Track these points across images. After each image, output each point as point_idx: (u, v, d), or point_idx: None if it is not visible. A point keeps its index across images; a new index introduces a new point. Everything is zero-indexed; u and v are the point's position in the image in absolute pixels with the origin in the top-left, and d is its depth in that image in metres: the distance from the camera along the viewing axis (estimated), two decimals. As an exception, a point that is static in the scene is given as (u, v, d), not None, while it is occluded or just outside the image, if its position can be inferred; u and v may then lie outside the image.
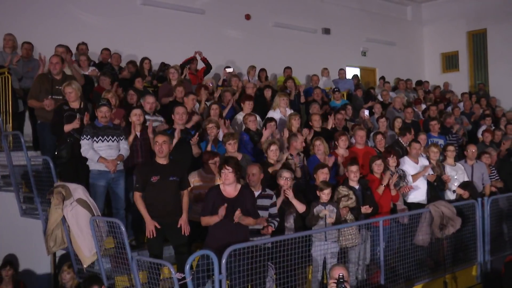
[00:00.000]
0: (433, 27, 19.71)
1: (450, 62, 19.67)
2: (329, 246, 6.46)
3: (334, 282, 5.09)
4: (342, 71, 14.86)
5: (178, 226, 5.90)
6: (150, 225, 5.75)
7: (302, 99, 11.63)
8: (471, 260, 8.27)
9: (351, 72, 16.38)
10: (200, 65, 11.96)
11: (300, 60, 14.85)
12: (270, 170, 6.96)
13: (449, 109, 13.64)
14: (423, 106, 12.78)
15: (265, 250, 5.90)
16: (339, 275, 5.10)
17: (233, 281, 5.46)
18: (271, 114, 9.56)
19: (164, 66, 11.09)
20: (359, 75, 16.37)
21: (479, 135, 12.05)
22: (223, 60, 13.37)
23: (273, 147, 7.19)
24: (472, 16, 18.56)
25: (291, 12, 15.51)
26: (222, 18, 13.95)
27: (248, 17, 14.51)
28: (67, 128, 6.92)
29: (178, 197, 6.02)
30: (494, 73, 18.26)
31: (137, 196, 5.86)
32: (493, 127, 12.73)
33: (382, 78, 15.92)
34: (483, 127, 12.46)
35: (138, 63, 10.85)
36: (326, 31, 16.49)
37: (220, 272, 5.02)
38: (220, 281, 5.04)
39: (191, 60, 11.57)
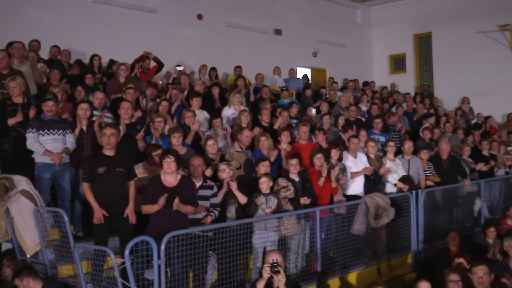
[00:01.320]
0: (382, 30, 20.40)
1: (397, 64, 20.42)
2: (269, 235, 6.75)
3: (268, 266, 5.42)
4: (292, 71, 15.28)
5: (125, 215, 6.11)
6: (98, 213, 5.95)
7: (252, 98, 11.95)
8: (406, 249, 8.74)
9: (302, 72, 16.81)
10: (153, 63, 12.14)
11: (252, 60, 15.15)
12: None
13: (394, 108, 14.19)
14: (363, 107, 13.24)
15: (207, 239, 6.18)
16: (273, 260, 5.43)
17: (173, 267, 5.72)
18: (225, 111, 9.87)
19: (113, 63, 11.21)
20: (310, 75, 16.84)
21: (421, 133, 12.61)
22: (175, 58, 13.53)
23: (210, 142, 7.45)
24: (418, 19, 19.31)
25: (243, 13, 15.82)
26: (174, 17, 14.14)
27: (200, 16, 14.74)
28: (11, 122, 7.03)
29: (124, 187, 6.23)
30: (438, 75, 19.07)
31: (85, 187, 6.07)
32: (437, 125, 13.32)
33: (331, 78, 16.40)
34: (425, 125, 13.04)
35: (88, 60, 10.96)
36: (278, 32, 16.87)
37: (159, 257, 5.26)
38: (159, 266, 5.27)
39: (142, 59, 11.72)
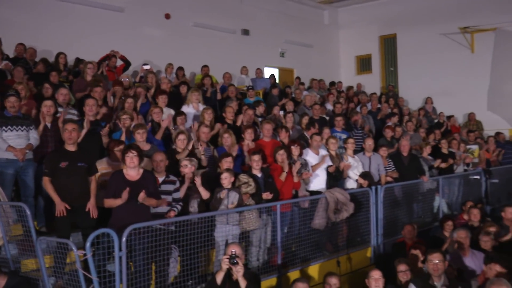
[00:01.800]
0: (349, 31, 20.78)
1: (363, 64, 20.85)
2: (231, 229, 6.92)
3: (227, 258, 5.60)
4: (259, 71, 15.50)
5: (86, 210, 6.22)
6: (60, 206, 6.05)
7: (219, 96, 12.11)
8: (366, 243, 9.03)
9: (270, 72, 17.03)
10: (120, 62, 12.19)
11: (219, 60, 15.29)
12: (177, 157, 7.39)
13: (358, 108, 14.52)
14: (328, 106, 13.53)
15: (169, 233, 6.32)
16: (231, 252, 5.61)
17: (135, 259, 5.86)
18: (184, 108, 10.00)
19: (79, 62, 11.24)
20: (277, 75, 17.08)
21: (383, 131, 12.95)
22: (142, 57, 13.55)
23: (181, 137, 7.62)
24: (384, 21, 19.76)
25: (211, 13, 15.96)
26: (141, 16, 14.21)
27: (168, 16, 14.83)
28: None
29: (86, 182, 6.34)
30: (403, 75, 19.54)
31: (46, 181, 6.15)
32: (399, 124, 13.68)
33: (298, 78, 16.66)
34: (387, 124, 13.38)
35: (53, 59, 10.98)
36: (245, 32, 17.07)
37: (120, 249, 5.39)
38: (120, 258, 5.40)
39: (109, 57, 11.77)
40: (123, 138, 7.79)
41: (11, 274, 5.89)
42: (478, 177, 12.54)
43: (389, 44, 20.20)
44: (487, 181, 12.77)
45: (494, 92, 17.30)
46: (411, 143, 12.54)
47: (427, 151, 11.59)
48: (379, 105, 15.37)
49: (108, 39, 12.74)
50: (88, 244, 5.20)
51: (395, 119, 13.82)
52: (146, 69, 12.22)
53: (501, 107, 16.99)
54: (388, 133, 12.03)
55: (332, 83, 17.35)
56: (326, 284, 6.22)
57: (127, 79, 11.23)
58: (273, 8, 18.17)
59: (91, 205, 6.23)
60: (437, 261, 6.02)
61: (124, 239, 5.43)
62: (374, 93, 16.83)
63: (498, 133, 15.42)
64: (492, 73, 17.38)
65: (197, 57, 14.63)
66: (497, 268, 5.89)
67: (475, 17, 17.18)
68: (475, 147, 13.59)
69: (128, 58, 12.21)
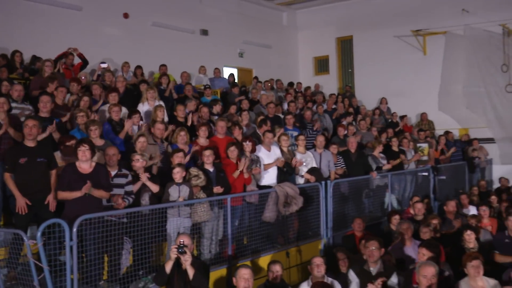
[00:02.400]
0: (307, 33, 21.21)
1: (321, 65, 21.31)
2: (182, 221, 7.17)
3: (175, 247, 5.84)
4: (217, 70, 15.76)
5: (46, 202, 6.41)
6: (21, 201, 6.23)
7: (175, 95, 12.31)
8: (317, 235, 9.39)
9: (229, 72, 17.28)
10: (77, 60, 12.26)
11: (178, 59, 15.42)
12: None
13: (315, 107, 14.92)
14: (285, 105, 13.90)
15: (121, 225, 6.53)
16: (180, 241, 5.86)
17: (87, 250, 6.05)
18: (140, 107, 10.18)
19: (35, 59, 11.28)
20: (236, 75, 17.36)
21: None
22: (101, 56, 13.56)
23: (141, 139, 7.79)
24: (341, 23, 20.27)
25: (169, 13, 16.10)
26: (100, 15, 14.23)
27: (126, 15, 14.90)
28: None
29: (46, 176, 6.54)
30: (359, 76, 20.07)
31: (7, 176, 6.37)
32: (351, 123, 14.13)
33: (255, 77, 16.98)
34: (341, 123, 13.82)
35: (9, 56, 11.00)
36: (204, 32, 17.28)
37: (71, 239, 5.58)
38: (71, 248, 5.59)
39: (66, 55, 11.83)
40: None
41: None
42: (426, 173, 13.08)
43: (345, 46, 20.73)
44: (435, 177, 13.33)
45: (444, 93, 17.94)
46: (364, 141, 13.05)
47: (378, 149, 12.03)
48: (334, 105, 15.81)
49: (66, 38, 12.75)
50: (39, 234, 5.37)
51: (349, 118, 14.25)
52: (104, 68, 12.35)
53: (451, 107, 17.63)
54: (341, 131, 12.46)
55: (291, 84, 17.73)
56: (270, 272, 6.53)
57: (84, 77, 11.33)
58: (232, 9, 18.43)
59: (50, 199, 6.41)
60: (373, 248, 6.41)
61: (74, 229, 5.62)
62: (333, 94, 17.27)
63: (447, 132, 16.10)
64: (443, 75, 18.01)
65: (155, 56, 14.72)
66: (424, 251, 6.32)
67: (426, 21, 17.80)
68: (424, 145, 14.16)
69: (87, 57, 12.26)
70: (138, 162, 7.13)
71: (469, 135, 16.86)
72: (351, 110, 16.13)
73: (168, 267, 5.87)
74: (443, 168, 14.12)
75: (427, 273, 5.38)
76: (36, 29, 12.66)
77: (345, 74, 20.87)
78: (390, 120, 16.95)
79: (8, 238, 6.19)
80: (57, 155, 7.12)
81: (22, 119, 7.47)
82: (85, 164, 6.23)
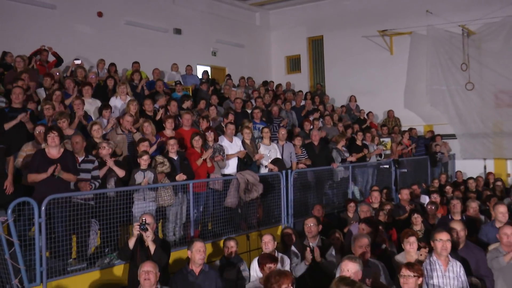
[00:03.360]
0: (279, 32, 21.82)
1: (293, 64, 21.94)
2: (147, 205, 7.67)
3: (137, 225, 6.35)
4: (188, 68, 16.26)
5: (4, 187, 6.84)
6: (-20, 185, 6.65)
7: (146, 92, 12.79)
8: (278, 222, 9.94)
9: (202, 69, 17.80)
10: (52, 57, 12.68)
11: (152, 57, 15.90)
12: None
13: (283, 104, 15.49)
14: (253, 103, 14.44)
15: (88, 207, 7.01)
16: (142, 219, 6.37)
17: (56, 228, 6.51)
18: (112, 101, 10.66)
19: (4, 55, 11.64)
20: (210, 73, 17.88)
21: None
22: (75, 53, 13.97)
23: (95, 127, 8.27)
24: (312, 24, 20.92)
25: (143, 12, 16.56)
26: (74, 14, 14.64)
27: (100, 14, 15.32)
28: None
29: (3, 162, 6.97)
30: (329, 75, 20.73)
31: None
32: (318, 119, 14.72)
33: (228, 75, 17.51)
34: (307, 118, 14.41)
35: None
36: (177, 31, 17.76)
37: (40, 217, 6.05)
38: (40, 224, 6.06)
39: (40, 52, 12.24)
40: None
41: None
42: (387, 166, 13.73)
43: (316, 45, 21.37)
44: (397, 170, 13.99)
45: (410, 91, 18.66)
46: (329, 136, 13.65)
47: (341, 143, 12.63)
48: (304, 102, 16.40)
49: (40, 35, 13.12)
50: (9, 211, 5.83)
51: (316, 114, 14.84)
52: (77, 64, 12.78)
53: (416, 105, 18.35)
54: (307, 126, 13.04)
55: (265, 82, 18.31)
56: (225, 247, 7.05)
57: (58, 73, 11.75)
58: (205, 9, 18.94)
59: (8, 183, 6.86)
60: (311, 224, 7.05)
61: (43, 207, 6.09)
62: (300, 91, 17.86)
63: (411, 129, 16.79)
64: (408, 74, 18.72)
65: (129, 54, 15.16)
66: (363, 226, 6.94)
67: (393, 21, 18.47)
68: (387, 140, 14.83)
69: (61, 54, 12.72)
70: (105, 150, 7.61)
71: (433, 132, 17.57)
72: (321, 107, 16.76)
73: (131, 243, 6.37)
74: (405, 162, 14.80)
75: (361, 243, 5.97)
76: (10, 26, 13.01)
77: (316, 73, 21.51)
78: (358, 117, 17.61)
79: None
80: (28, 145, 7.57)
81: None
82: (53, 149, 6.71)
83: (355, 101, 18.61)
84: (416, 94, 18.31)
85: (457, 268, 5.58)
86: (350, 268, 5.00)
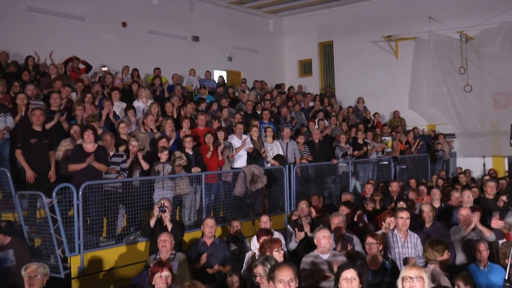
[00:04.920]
0: (292, 38, 23.11)
1: (305, 68, 23.19)
2: (166, 193, 8.98)
3: (157, 207, 7.67)
4: (208, 73, 17.67)
5: (49, 176, 8.23)
6: (29, 173, 8.05)
7: (166, 94, 14.16)
8: (282, 210, 11.21)
9: (219, 74, 19.14)
10: (82, 65, 14.13)
11: (172, 63, 17.28)
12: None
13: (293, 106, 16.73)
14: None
15: (117, 194, 8.37)
16: (161, 202, 7.70)
17: (90, 214, 7.87)
18: (135, 103, 12.04)
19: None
20: (225, 77, 19.24)
21: (308, 124, 15.22)
22: (102, 61, 15.45)
23: (121, 125, 9.64)
24: (322, 29, 22.15)
25: (163, 21, 17.97)
26: (101, 24, 16.10)
27: (124, 24, 16.75)
28: None
29: (48, 155, 8.37)
30: (339, 78, 21.94)
31: (18, 153, 8.18)
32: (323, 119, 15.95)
33: (243, 79, 18.82)
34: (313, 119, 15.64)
35: (23, 60, 12.90)
36: (196, 38, 19.14)
37: (78, 199, 7.42)
38: (78, 206, 7.44)
39: (72, 60, 13.71)
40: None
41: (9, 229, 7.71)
42: (386, 162, 14.90)
43: (326, 50, 22.60)
44: (396, 166, 15.15)
45: (414, 93, 19.80)
46: (334, 135, 14.87)
47: (343, 140, 13.83)
48: (313, 104, 17.65)
49: (71, 45, 14.59)
50: (54, 194, 7.22)
51: (320, 115, 16.06)
52: (104, 71, 14.21)
53: (420, 106, 19.47)
54: (311, 126, 14.27)
55: (278, 85, 19.56)
56: (231, 227, 8.34)
57: (86, 78, 13.20)
58: (222, 17, 20.30)
59: (52, 172, 8.26)
60: (303, 206, 8.37)
61: (80, 192, 7.47)
62: (309, 93, 19.10)
63: (414, 128, 17.88)
64: (413, 77, 19.87)
65: (151, 60, 16.55)
66: (343, 208, 8.20)
67: (397, 27, 19.65)
68: (388, 139, 15.97)
69: (89, 62, 14.16)
70: (135, 148, 8.97)
71: (435, 131, 18.66)
72: (329, 108, 17.99)
73: (152, 222, 7.70)
74: (407, 159, 15.95)
75: (337, 221, 7.22)
76: (44, 37, 14.47)
77: (327, 76, 22.73)
78: (365, 117, 18.76)
79: (25, 204, 8.03)
80: (67, 140, 8.97)
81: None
82: (89, 145, 8.09)
83: (363, 102, 19.74)
84: (419, 95, 19.42)
85: (414, 239, 6.77)
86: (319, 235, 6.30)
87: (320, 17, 22.06)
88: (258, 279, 5.13)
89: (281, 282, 4.29)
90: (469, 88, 17.69)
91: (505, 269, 5.34)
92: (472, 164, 17.85)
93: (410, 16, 19.63)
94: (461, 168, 16.66)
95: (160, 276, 5.21)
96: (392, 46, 20.19)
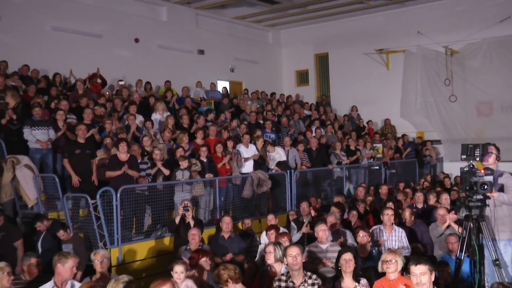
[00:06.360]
0: (289, 50, 24.64)
1: (302, 78, 24.70)
2: (184, 195, 10.43)
3: (182, 207, 9.13)
4: (212, 84, 19.13)
5: (92, 180, 9.68)
6: (75, 178, 9.51)
7: (177, 106, 15.60)
8: (284, 211, 12.67)
9: (222, 85, 20.62)
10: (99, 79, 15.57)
11: (179, 75, 18.72)
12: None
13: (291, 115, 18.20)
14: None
15: (144, 196, 9.82)
16: (185, 203, 9.15)
17: (124, 210, 9.31)
18: (153, 115, 13.49)
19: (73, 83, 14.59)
20: (228, 87, 20.70)
21: (305, 133, 16.70)
22: (117, 74, 16.95)
23: (145, 138, 11.09)
24: (318, 42, 23.64)
25: (171, 36, 19.46)
26: (115, 41, 17.56)
27: (137, 40, 18.22)
28: (3, 121, 10.49)
29: (90, 163, 9.83)
30: (334, 87, 23.46)
31: (66, 161, 9.66)
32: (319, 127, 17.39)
33: (245, 90, 20.28)
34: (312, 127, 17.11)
35: (49, 76, 14.35)
36: (201, 51, 20.62)
37: (116, 200, 8.87)
38: (116, 206, 8.88)
39: (95, 75, 15.16)
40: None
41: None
42: (377, 167, 16.39)
43: (322, 61, 24.12)
44: (386, 171, 16.65)
45: (404, 102, 21.30)
46: (329, 142, 16.33)
47: (338, 147, 15.31)
48: (310, 113, 19.15)
49: (89, 59, 16.00)
50: (98, 196, 8.67)
51: (316, 123, 17.51)
52: (121, 84, 15.66)
53: (409, 114, 21.00)
54: (308, 134, 15.76)
55: (272, 94, 20.97)
56: (243, 223, 9.82)
57: (107, 93, 14.65)
58: (225, 31, 21.80)
59: (94, 177, 9.71)
60: (304, 206, 9.94)
61: (118, 194, 8.91)
62: (306, 103, 20.60)
63: (403, 135, 19.38)
64: (403, 87, 21.38)
65: (161, 73, 18.03)
66: (333, 208, 9.74)
67: (388, 41, 21.21)
68: (379, 145, 17.45)
69: (105, 75, 15.64)
70: (158, 156, 10.42)
71: (423, 138, 20.15)
72: (324, 117, 19.47)
73: (177, 219, 9.16)
74: (396, 164, 17.44)
75: (331, 219, 8.72)
76: (66, 52, 15.89)
77: (322, 85, 24.25)
78: (358, 125, 20.24)
79: (69, 203, 9.47)
80: (100, 151, 10.43)
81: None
82: (123, 154, 9.54)
83: (357, 110, 21.24)
84: (409, 104, 20.93)
85: (399, 233, 8.24)
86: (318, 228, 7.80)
87: (316, 30, 23.54)
88: (267, 254, 6.63)
89: (290, 256, 5.77)
90: (454, 98, 19.24)
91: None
92: (457, 168, 19.05)
93: (399, 30, 21.12)
94: (443, 173, 18.10)
95: (206, 260, 6.67)
96: (383, 58, 21.71)
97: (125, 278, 5.35)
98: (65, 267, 5.57)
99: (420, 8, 20.71)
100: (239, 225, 11.01)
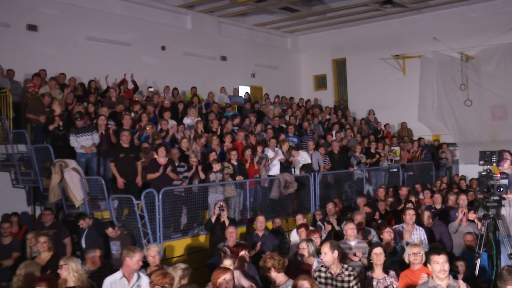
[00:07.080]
0: (308, 55, 25.33)
1: (320, 82, 25.39)
2: (217, 196, 11.18)
3: (218, 207, 9.88)
4: (235, 90, 19.90)
5: (136, 182, 10.47)
6: (120, 180, 10.31)
7: (204, 111, 16.38)
8: (309, 211, 13.38)
9: (244, 90, 21.39)
10: (131, 85, 16.35)
11: (203, 81, 19.54)
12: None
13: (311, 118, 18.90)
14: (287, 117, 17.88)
15: (181, 197, 10.58)
16: (220, 203, 9.90)
17: (164, 210, 10.08)
18: (185, 120, 14.27)
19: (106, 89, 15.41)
20: (249, 92, 21.45)
21: (327, 136, 17.39)
22: (145, 80, 17.81)
23: (184, 141, 11.88)
24: (336, 47, 24.32)
25: (196, 44, 20.25)
26: (144, 49, 18.39)
27: (163, 48, 19.03)
28: (50, 127, 11.32)
29: (135, 165, 10.60)
30: (351, 91, 24.11)
31: (112, 165, 10.45)
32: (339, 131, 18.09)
33: (266, 94, 21.04)
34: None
35: (85, 83, 15.20)
36: (223, 58, 21.40)
37: (158, 201, 9.64)
38: (158, 206, 9.65)
39: (125, 81, 15.96)
40: (150, 140, 12.05)
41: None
42: (396, 169, 17.04)
43: (340, 66, 24.79)
44: (404, 173, 17.30)
45: (420, 106, 21.91)
46: (349, 145, 17.02)
47: (358, 150, 15.99)
48: (329, 116, 19.84)
49: (120, 67, 16.77)
50: (142, 197, 9.44)
51: (336, 127, 18.21)
52: (151, 91, 16.47)
53: (425, 118, 21.61)
54: (329, 138, 16.45)
55: (291, 98, 21.65)
56: (274, 223, 10.58)
57: (140, 98, 15.46)
58: (246, 38, 22.57)
59: (138, 179, 10.50)
60: (330, 206, 10.66)
61: (160, 195, 9.68)
62: (327, 107, 21.28)
63: (420, 138, 19.98)
64: (420, 91, 21.99)
65: (186, 79, 18.82)
66: (366, 208, 10.38)
67: (404, 47, 21.84)
68: (397, 148, 18.10)
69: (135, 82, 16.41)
70: (195, 162, 11.18)
71: (439, 141, 20.74)
72: (343, 120, 20.16)
73: (213, 219, 9.92)
74: (413, 166, 18.07)
75: (359, 218, 9.44)
76: (97, 61, 16.71)
77: (340, 90, 24.92)
78: (375, 128, 20.87)
79: (114, 205, 10.25)
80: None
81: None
82: (161, 158, 10.31)
83: (374, 114, 21.83)
84: (426, 108, 21.55)
85: (419, 232, 8.94)
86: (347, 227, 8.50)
87: (333, 36, 24.23)
88: (301, 250, 7.35)
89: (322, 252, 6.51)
90: (469, 102, 19.84)
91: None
92: (472, 170, 19.80)
93: (415, 36, 21.72)
94: (457, 175, 18.70)
95: (245, 253, 7.42)
96: (400, 64, 22.34)
97: (182, 265, 6.11)
98: (133, 260, 6.31)
99: (436, 14, 21.34)
100: (268, 224, 11.77)
